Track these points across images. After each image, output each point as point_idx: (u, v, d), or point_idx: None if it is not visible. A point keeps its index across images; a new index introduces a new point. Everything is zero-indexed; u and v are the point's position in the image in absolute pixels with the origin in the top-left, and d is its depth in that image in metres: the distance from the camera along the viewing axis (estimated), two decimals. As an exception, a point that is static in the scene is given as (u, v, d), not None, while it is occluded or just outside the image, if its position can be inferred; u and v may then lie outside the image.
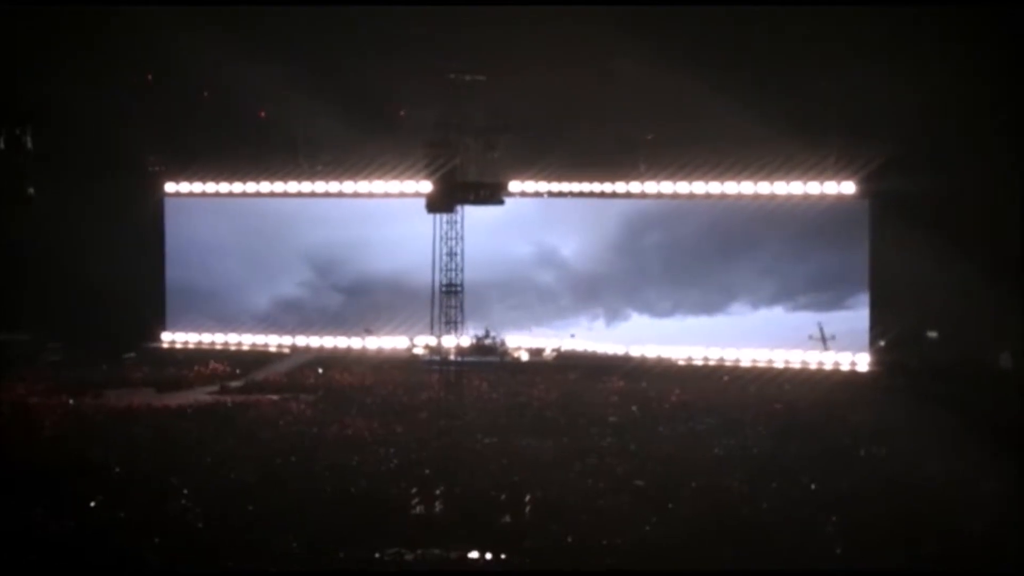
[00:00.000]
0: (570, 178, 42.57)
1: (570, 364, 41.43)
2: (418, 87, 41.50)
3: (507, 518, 23.46)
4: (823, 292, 40.56)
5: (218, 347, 45.03)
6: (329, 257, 44.90)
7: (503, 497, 24.27)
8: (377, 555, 21.32)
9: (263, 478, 25.85)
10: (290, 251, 45.12)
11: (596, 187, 42.42)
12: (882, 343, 39.47)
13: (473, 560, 21.41)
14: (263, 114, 44.16)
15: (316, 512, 23.21)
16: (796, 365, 40.06)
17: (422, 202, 35.15)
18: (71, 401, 35.27)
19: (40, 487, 24.48)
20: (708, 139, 40.30)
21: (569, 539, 21.95)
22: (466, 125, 38.93)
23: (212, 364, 42.34)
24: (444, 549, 21.61)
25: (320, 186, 44.31)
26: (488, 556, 21.49)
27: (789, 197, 40.07)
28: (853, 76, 37.42)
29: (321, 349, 44.29)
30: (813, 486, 25.29)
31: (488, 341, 42.28)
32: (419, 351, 42.86)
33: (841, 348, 39.86)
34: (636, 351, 41.61)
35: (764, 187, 40.25)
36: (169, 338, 45.78)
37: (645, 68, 38.90)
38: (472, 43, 39.68)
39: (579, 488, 25.24)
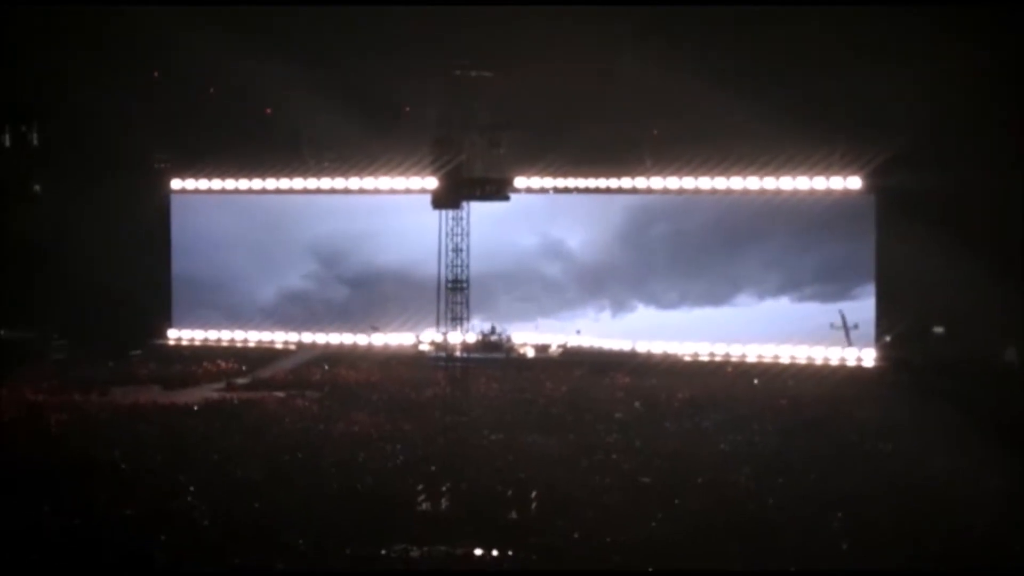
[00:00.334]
0: (576, 174, 42.58)
1: (576, 360, 41.43)
2: (423, 84, 41.53)
3: (513, 514, 23.50)
4: (830, 283, 40.49)
5: (224, 344, 45.05)
6: (334, 249, 44.91)
7: (509, 493, 24.30)
8: (383, 552, 21.37)
9: (269, 475, 25.92)
10: (295, 244, 45.15)
11: (602, 183, 42.45)
12: (888, 339, 39.43)
13: (479, 556, 21.44)
14: (269, 111, 44.19)
15: (322, 509, 23.26)
16: (802, 360, 39.98)
17: (427, 197, 35.15)
18: (77, 398, 35.33)
19: (46, 484, 24.54)
20: (714, 135, 40.29)
21: (575, 535, 21.98)
22: (471, 121, 38.94)
23: (218, 361, 42.47)
24: (450, 545, 21.65)
25: (326, 182, 44.33)
26: (494, 553, 21.52)
27: (795, 192, 40.02)
28: (859, 73, 37.44)
29: (327, 346, 44.31)
30: (818, 483, 25.30)
31: (494, 337, 42.29)
32: (425, 347, 42.89)
33: (859, 338, 39.77)
34: (642, 347, 41.58)
35: (770, 182, 40.21)
36: (175, 335, 45.83)
37: (651, 65, 38.93)
38: (477, 40, 39.63)
39: (585, 484, 25.28)
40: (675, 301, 42.27)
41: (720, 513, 23.04)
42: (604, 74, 40.07)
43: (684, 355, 41.22)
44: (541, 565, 21.01)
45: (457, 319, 37.69)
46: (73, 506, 23.21)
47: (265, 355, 43.90)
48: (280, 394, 36.88)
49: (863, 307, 39.90)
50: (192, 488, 24.56)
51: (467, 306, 37.28)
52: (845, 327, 40.04)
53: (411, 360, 42.17)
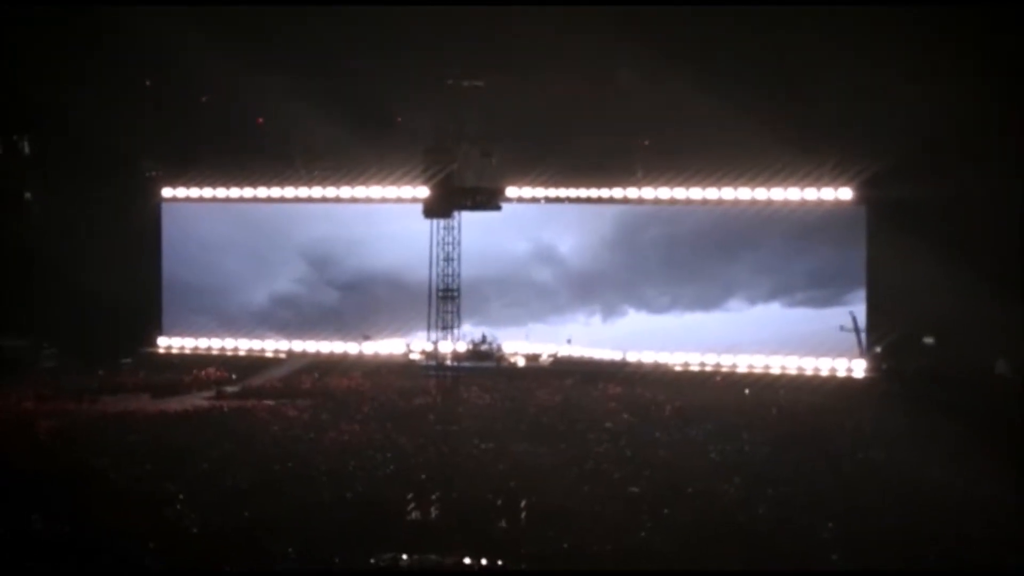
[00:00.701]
0: (567, 184, 42.57)
1: (566, 370, 41.38)
2: (415, 94, 41.65)
3: (503, 523, 23.47)
4: (821, 289, 40.50)
5: (215, 352, 44.95)
6: (325, 254, 44.90)
7: (499, 503, 24.25)
8: (372, 560, 21.35)
9: (259, 484, 25.86)
10: (286, 248, 45.09)
11: (593, 192, 42.44)
12: (878, 348, 39.45)
13: (468, 566, 21.42)
14: (260, 121, 44.18)
15: (312, 517, 23.24)
16: (792, 370, 40.00)
17: (419, 205, 35.33)
18: (67, 407, 35.26)
19: (35, 493, 24.48)
20: (706, 145, 40.31)
21: (565, 544, 21.97)
22: (463, 131, 39.03)
23: (208, 369, 42.44)
24: (440, 554, 21.63)
25: (317, 191, 44.31)
26: (484, 562, 21.50)
27: (787, 203, 40.11)
28: (851, 84, 37.52)
29: (318, 354, 44.24)
30: (809, 492, 25.34)
31: (485, 347, 42.23)
32: (416, 356, 42.83)
33: (841, 347, 39.77)
34: (633, 356, 41.57)
35: (761, 193, 40.28)
36: (166, 343, 45.72)
37: (643, 75, 39.04)
38: (469, 51, 39.82)
39: (575, 494, 25.27)
40: (666, 306, 42.25)
41: (710, 522, 23.07)
42: (596, 84, 40.13)
43: (675, 365, 41.20)
44: (531, 574, 21.03)
45: (448, 328, 37.85)
46: (62, 513, 23.16)
47: (255, 364, 43.80)
48: (270, 403, 36.78)
49: (856, 312, 39.87)
50: (181, 496, 24.52)
51: (458, 315, 37.43)
52: (856, 330, 39.79)
53: (402, 369, 42.11)
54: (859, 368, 39.55)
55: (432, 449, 29.56)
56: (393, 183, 42.94)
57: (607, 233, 42.95)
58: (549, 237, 43.39)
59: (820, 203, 39.87)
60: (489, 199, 38.85)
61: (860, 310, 39.71)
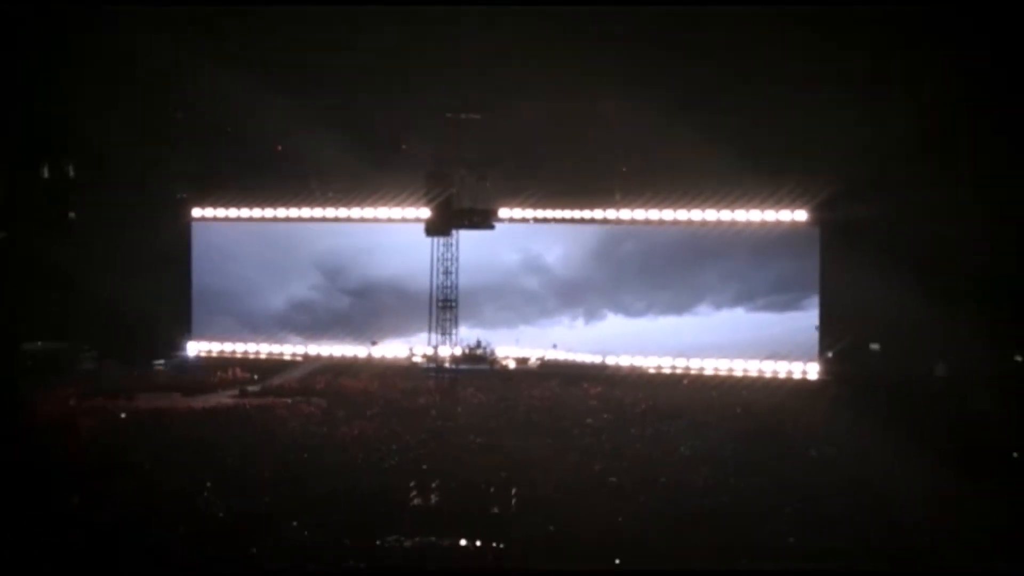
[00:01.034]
0: (553, 205, 42.69)
1: (552, 372, 41.44)
2: (418, 123, 41.84)
3: (495, 509, 23.58)
4: (781, 295, 40.66)
5: (238, 356, 45.02)
6: (337, 263, 45.02)
7: (492, 491, 24.38)
8: (378, 542, 21.42)
9: (279, 473, 25.92)
10: (302, 259, 45.19)
11: (576, 214, 42.60)
12: (830, 354, 39.61)
13: (464, 547, 21.51)
14: (280, 148, 44.33)
15: (325, 504, 23.30)
16: (753, 373, 40.17)
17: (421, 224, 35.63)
18: (105, 404, 35.29)
19: (78, 481, 24.53)
20: (677, 171, 40.52)
21: (551, 528, 22.06)
22: (461, 158, 39.29)
23: (233, 370, 42.55)
24: (439, 536, 21.71)
25: (330, 211, 44.44)
26: (478, 543, 21.60)
27: (748, 224, 40.31)
28: (807, 113, 37.63)
29: (331, 357, 44.30)
30: (769, 482, 25.47)
31: (479, 351, 42.38)
32: (418, 359, 42.93)
33: (796, 350, 39.87)
34: (611, 361, 41.74)
35: (726, 214, 40.49)
36: (195, 348, 45.75)
37: (621, 108, 39.20)
38: (467, 86, 40.04)
39: (561, 483, 25.34)
40: (642, 310, 42.38)
41: (681, 508, 23.19)
42: (579, 117, 40.29)
43: (648, 368, 41.35)
44: (520, 554, 21.11)
45: (447, 334, 38.06)
46: (102, 500, 23.21)
47: (275, 365, 43.91)
48: (288, 400, 36.84)
49: (810, 316, 39.96)
50: (209, 484, 24.58)
51: (455, 323, 37.67)
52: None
53: (405, 371, 42.18)
54: (813, 371, 39.71)
55: (433, 443, 29.65)
56: (398, 204, 43.03)
57: (590, 245, 43.18)
58: (538, 249, 43.57)
59: (778, 224, 40.07)
60: (484, 219, 39.16)
61: (814, 316, 39.86)
